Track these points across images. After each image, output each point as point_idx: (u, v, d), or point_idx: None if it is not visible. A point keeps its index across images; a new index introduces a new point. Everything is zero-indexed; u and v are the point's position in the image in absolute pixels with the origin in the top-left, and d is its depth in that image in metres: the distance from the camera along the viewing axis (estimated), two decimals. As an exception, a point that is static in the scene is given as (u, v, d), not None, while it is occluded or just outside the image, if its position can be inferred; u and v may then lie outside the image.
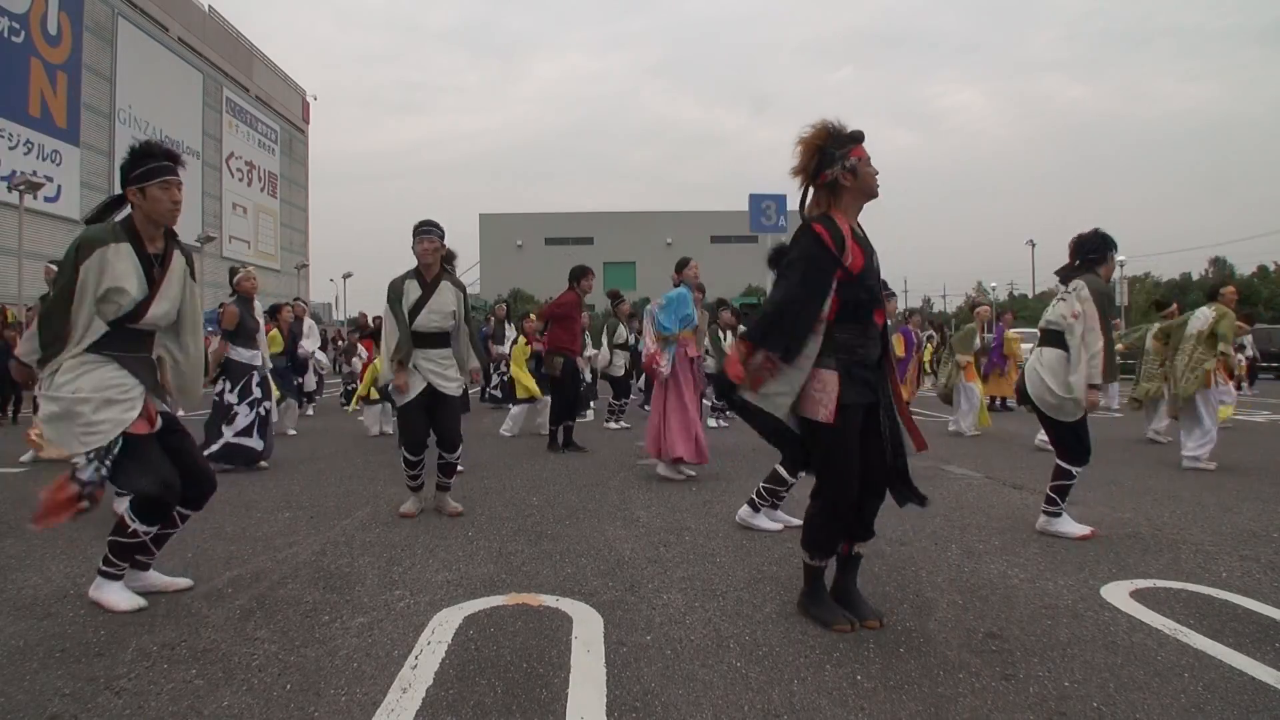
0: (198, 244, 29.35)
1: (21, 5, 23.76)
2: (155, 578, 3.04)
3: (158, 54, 31.11)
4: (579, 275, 7.20)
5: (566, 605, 2.87)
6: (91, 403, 2.67)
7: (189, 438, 3.01)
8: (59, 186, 24.81)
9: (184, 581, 3.06)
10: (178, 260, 2.90)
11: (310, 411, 11.43)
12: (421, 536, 3.92)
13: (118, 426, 2.70)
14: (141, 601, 2.83)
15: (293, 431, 8.72)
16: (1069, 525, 3.91)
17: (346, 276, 45.45)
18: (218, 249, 32.45)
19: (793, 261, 2.61)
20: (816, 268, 2.54)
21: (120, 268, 2.70)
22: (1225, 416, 6.60)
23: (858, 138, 2.63)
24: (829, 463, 2.59)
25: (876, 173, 2.64)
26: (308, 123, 47.03)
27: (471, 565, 3.40)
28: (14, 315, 12.09)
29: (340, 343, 15.94)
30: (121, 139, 28.42)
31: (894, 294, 6.03)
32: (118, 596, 2.83)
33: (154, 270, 2.79)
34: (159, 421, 2.86)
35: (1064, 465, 3.97)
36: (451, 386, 4.39)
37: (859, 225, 2.70)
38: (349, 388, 12.64)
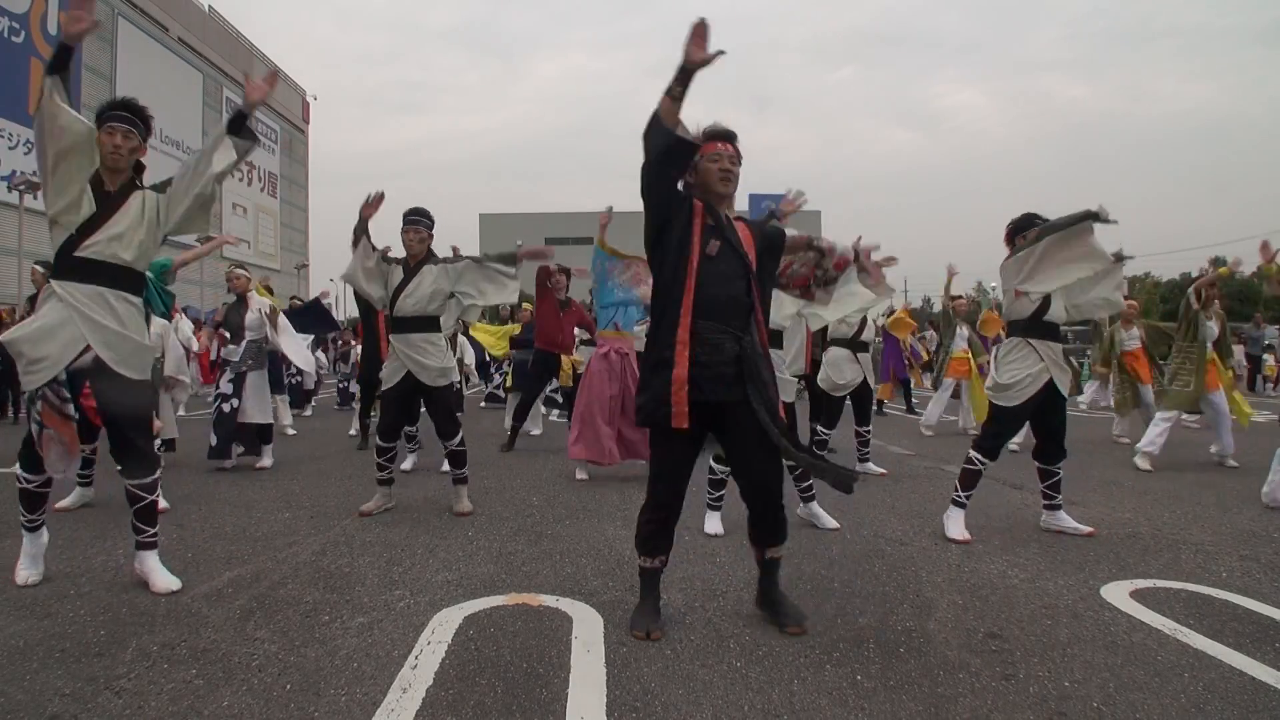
0: (197, 244, 29.37)
1: (21, 5, 23.76)
2: (154, 570, 3.04)
3: (158, 54, 31.12)
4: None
5: (566, 605, 2.87)
6: (31, 340, 2.79)
7: (100, 388, 2.93)
8: (59, 186, 24.80)
9: (174, 584, 3.02)
10: (135, 199, 2.99)
11: (309, 412, 11.42)
12: (421, 536, 3.92)
13: (54, 366, 2.80)
14: (36, 577, 3.02)
15: (292, 431, 8.71)
16: (955, 525, 3.89)
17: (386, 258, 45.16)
18: (218, 249, 32.49)
19: None
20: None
21: (80, 171, 2.87)
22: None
23: (711, 134, 2.62)
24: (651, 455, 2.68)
25: (719, 169, 2.60)
26: (308, 123, 47.02)
27: (471, 565, 3.39)
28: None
29: (339, 343, 15.92)
30: (121, 139, 28.37)
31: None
32: (22, 558, 3.07)
33: (107, 204, 2.92)
34: (78, 362, 2.87)
35: (973, 452, 4.00)
36: (430, 374, 4.33)
37: (729, 219, 2.65)
38: (340, 386, 12.65)
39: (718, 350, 2.51)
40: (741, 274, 2.57)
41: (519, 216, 55.23)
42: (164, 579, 3.02)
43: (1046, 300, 3.97)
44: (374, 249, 4.38)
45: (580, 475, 5.62)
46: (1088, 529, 3.94)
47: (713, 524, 3.99)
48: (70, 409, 2.83)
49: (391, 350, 4.40)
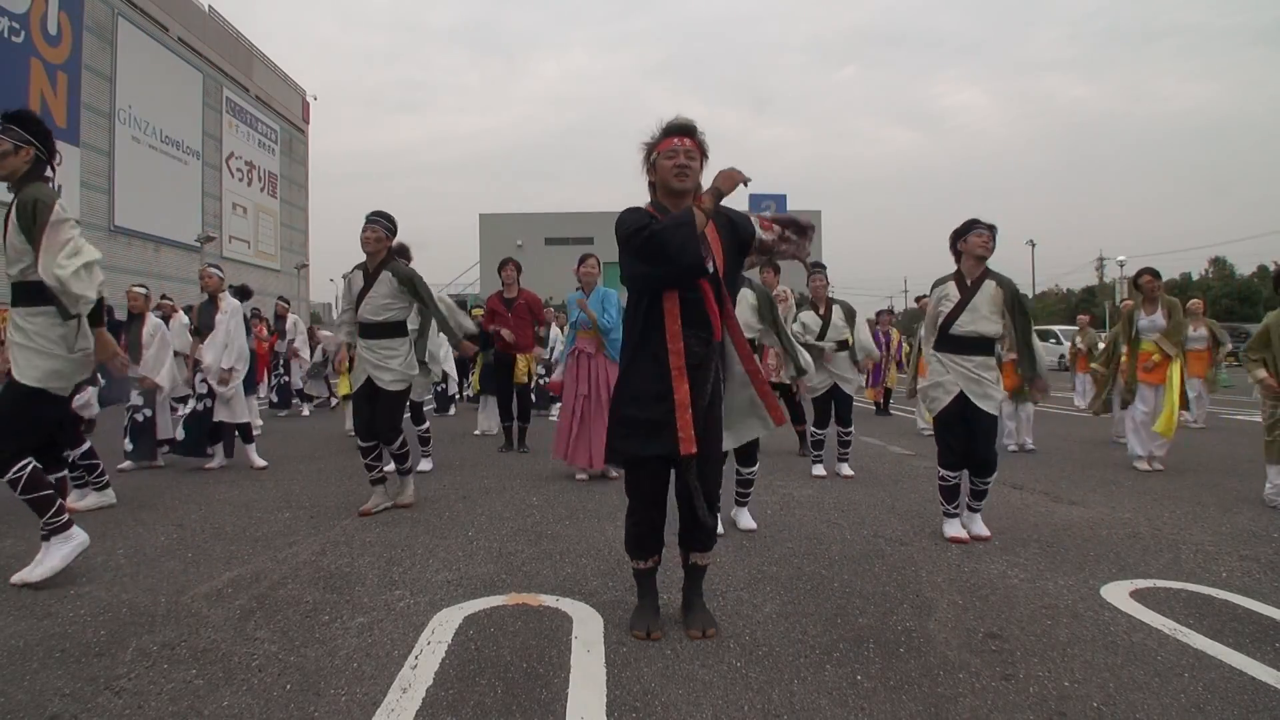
0: (197, 244, 29.34)
1: (21, 5, 23.76)
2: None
3: (158, 54, 31.10)
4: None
5: (566, 605, 2.87)
6: None
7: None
8: (59, 186, 24.76)
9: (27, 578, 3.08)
10: (10, 213, 3.07)
11: (306, 411, 11.41)
12: (421, 536, 3.92)
13: None
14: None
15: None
16: (951, 527, 3.90)
17: (346, 277, 45.26)
18: (218, 249, 32.46)
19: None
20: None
21: None
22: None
23: (668, 130, 2.59)
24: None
25: (674, 165, 2.54)
26: (308, 123, 47.03)
27: (471, 565, 3.40)
28: None
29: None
30: (121, 139, 28.43)
31: (821, 267, 5.98)
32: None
33: None
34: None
35: (939, 468, 3.98)
36: (386, 379, 4.41)
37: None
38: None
39: (693, 356, 2.52)
40: (711, 278, 2.53)
41: (519, 216, 55.13)
42: (38, 570, 3.08)
43: (952, 314, 3.89)
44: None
45: (580, 476, 5.63)
46: (962, 534, 3.85)
47: (745, 520, 4.11)
48: None
49: (357, 354, 4.52)
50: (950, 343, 3.91)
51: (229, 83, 36.79)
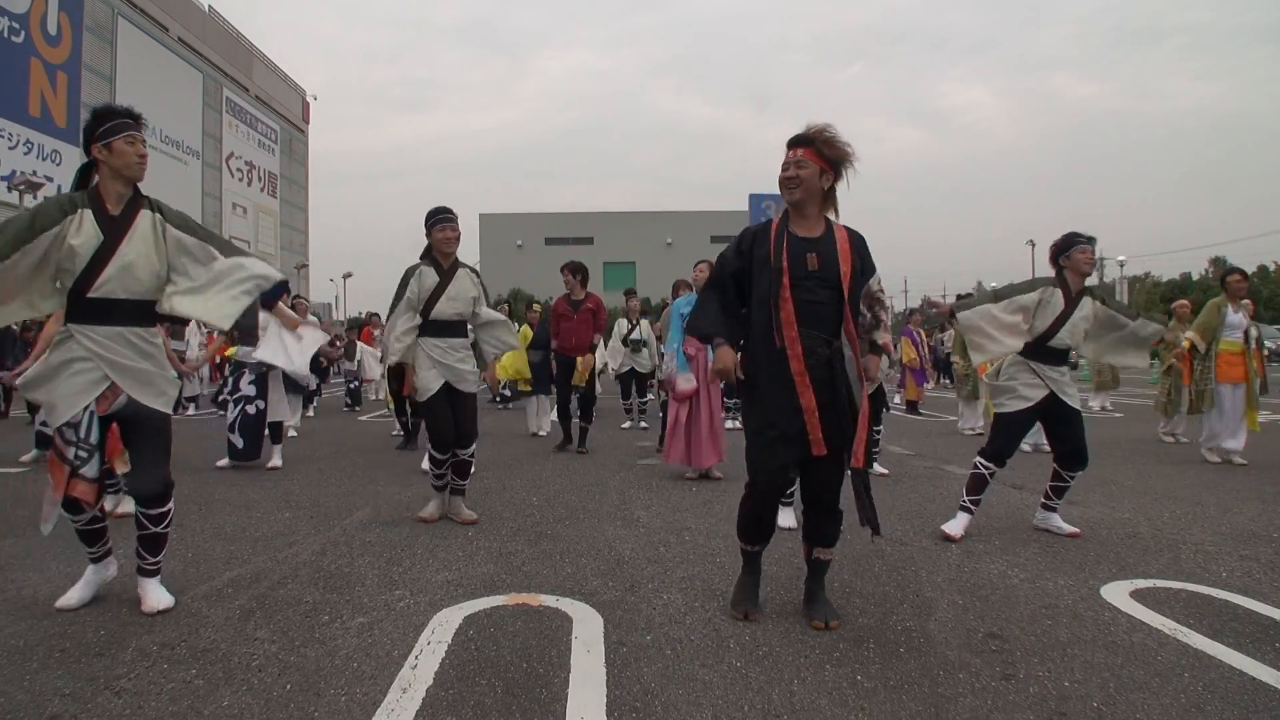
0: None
1: (21, 5, 23.76)
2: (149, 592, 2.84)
3: (158, 54, 31.12)
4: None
5: (566, 605, 2.87)
6: (52, 381, 2.64)
7: (152, 436, 2.76)
8: (59, 186, 24.80)
9: (166, 602, 2.80)
10: (142, 220, 2.72)
11: (310, 412, 11.41)
12: (421, 536, 3.92)
13: (71, 407, 2.62)
14: (74, 603, 2.79)
15: (293, 433, 8.67)
16: (955, 525, 3.92)
17: (346, 276, 45.46)
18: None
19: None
20: (719, 265, 2.85)
21: (78, 237, 2.60)
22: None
23: (787, 143, 2.70)
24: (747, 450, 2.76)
25: (782, 178, 2.70)
26: (307, 123, 47.05)
27: (471, 565, 3.40)
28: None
29: (339, 343, 15.91)
30: (121, 139, 28.32)
31: None
32: (79, 583, 2.88)
33: (112, 234, 2.66)
34: (113, 406, 2.70)
35: (978, 457, 4.01)
36: (468, 382, 4.25)
37: (804, 228, 2.71)
38: (350, 386, 12.64)
39: (812, 355, 2.60)
40: (833, 283, 2.63)
41: (519, 216, 55.19)
42: (154, 598, 2.80)
43: (1053, 327, 3.88)
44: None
45: (689, 474, 5.64)
46: (1072, 529, 3.93)
47: (785, 518, 4.05)
48: (72, 453, 2.62)
49: (424, 357, 4.17)
50: (1044, 353, 3.94)
51: (229, 83, 36.80)
